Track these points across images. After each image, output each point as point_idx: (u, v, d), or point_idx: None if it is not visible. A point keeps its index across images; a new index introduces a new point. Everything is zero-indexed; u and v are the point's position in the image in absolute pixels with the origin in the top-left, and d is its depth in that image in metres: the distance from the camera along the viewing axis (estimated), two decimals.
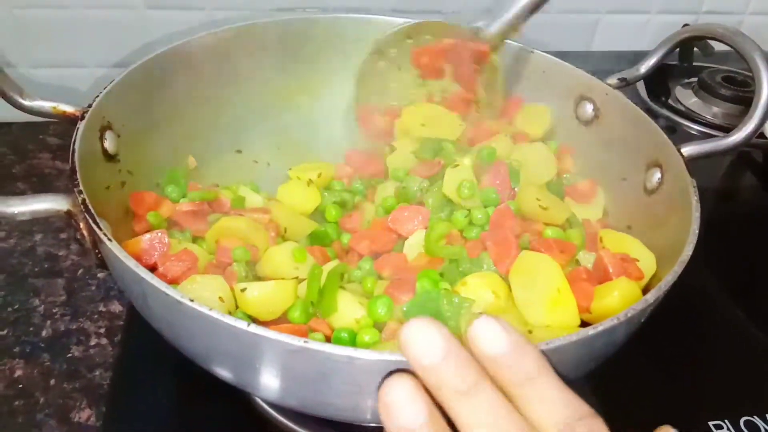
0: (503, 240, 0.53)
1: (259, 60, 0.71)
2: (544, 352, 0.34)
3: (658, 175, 0.59)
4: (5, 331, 0.63)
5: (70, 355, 0.61)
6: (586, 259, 0.56)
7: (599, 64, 1.07)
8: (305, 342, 0.36)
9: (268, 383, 0.42)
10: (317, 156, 0.74)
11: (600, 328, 0.39)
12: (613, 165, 0.65)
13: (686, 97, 1.03)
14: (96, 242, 0.44)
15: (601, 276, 0.53)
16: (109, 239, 0.41)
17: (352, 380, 0.39)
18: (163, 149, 0.63)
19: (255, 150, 0.72)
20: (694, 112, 0.99)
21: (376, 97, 0.72)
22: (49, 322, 0.64)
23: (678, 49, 1.03)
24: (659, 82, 1.02)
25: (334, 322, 0.50)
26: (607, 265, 0.52)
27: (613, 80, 0.67)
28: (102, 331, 0.64)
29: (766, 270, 0.78)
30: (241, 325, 0.37)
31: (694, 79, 1.04)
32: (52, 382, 0.59)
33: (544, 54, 0.70)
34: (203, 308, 0.37)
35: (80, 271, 0.70)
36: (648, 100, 1.02)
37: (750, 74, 0.99)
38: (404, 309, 0.48)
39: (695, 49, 1.02)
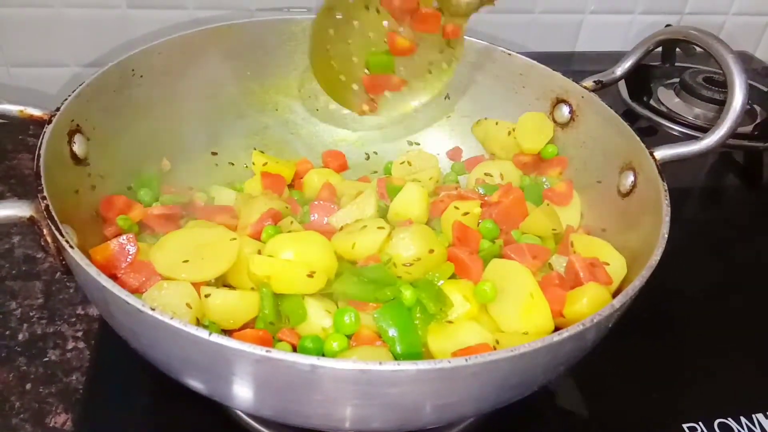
0: (466, 256, 0.54)
1: (233, 60, 0.71)
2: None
3: (631, 178, 0.59)
4: None
5: (46, 359, 0.61)
6: (559, 263, 0.56)
7: (583, 65, 1.07)
8: (267, 351, 0.36)
9: (238, 394, 0.42)
10: (296, 157, 0.74)
11: (566, 334, 0.39)
12: (589, 167, 0.65)
13: (668, 98, 1.03)
14: (59, 249, 0.44)
15: (572, 280, 0.53)
16: (71, 246, 0.41)
17: (320, 388, 0.39)
18: (136, 152, 0.63)
19: (231, 152, 0.72)
20: (675, 113, 0.99)
21: (333, 46, 0.67)
22: (25, 325, 0.64)
23: (660, 50, 1.03)
24: (641, 83, 1.03)
25: (302, 330, 0.50)
26: (578, 270, 0.52)
27: (588, 83, 0.67)
28: (79, 334, 0.64)
29: (746, 270, 0.78)
30: (202, 334, 0.36)
31: (676, 80, 1.04)
32: (28, 386, 0.59)
33: (521, 56, 0.70)
34: (164, 317, 0.37)
35: (58, 274, 0.70)
36: (630, 101, 1.01)
37: None
38: (375, 315, 0.48)
39: (677, 49, 1.02)
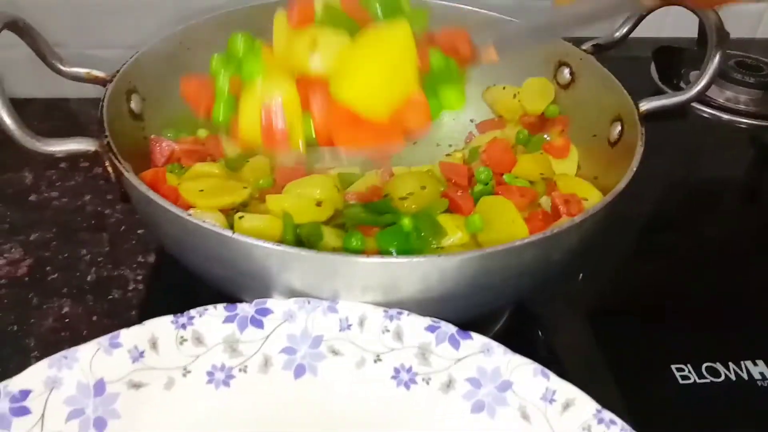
0: (457, 195, 0.61)
1: (262, 36, 0.78)
2: None
3: (619, 128, 0.65)
4: (56, 275, 0.72)
5: (111, 297, 0.70)
6: (547, 203, 0.62)
7: None
8: (277, 245, 0.44)
9: (266, 292, 0.50)
10: None
11: (527, 240, 0.46)
12: (586, 123, 0.71)
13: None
14: (119, 177, 0.53)
15: (555, 215, 0.60)
16: (128, 171, 0.50)
17: (330, 275, 0.47)
18: (184, 112, 0.72)
19: None
20: (706, 95, 0.96)
21: None
22: (93, 269, 0.73)
23: (696, 36, 1.04)
24: (672, 66, 1.03)
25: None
26: (558, 205, 0.59)
27: (587, 46, 0.73)
28: (139, 278, 0.72)
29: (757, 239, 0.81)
30: (227, 232, 0.45)
31: None
32: (95, 318, 0.67)
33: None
34: (198, 220, 0.46)
35: (123, 228, 0.79)
36: (660, 83, 1.03)
37: (764, 59, 1.01)
38: (377, 236, 0.55)
39: None
